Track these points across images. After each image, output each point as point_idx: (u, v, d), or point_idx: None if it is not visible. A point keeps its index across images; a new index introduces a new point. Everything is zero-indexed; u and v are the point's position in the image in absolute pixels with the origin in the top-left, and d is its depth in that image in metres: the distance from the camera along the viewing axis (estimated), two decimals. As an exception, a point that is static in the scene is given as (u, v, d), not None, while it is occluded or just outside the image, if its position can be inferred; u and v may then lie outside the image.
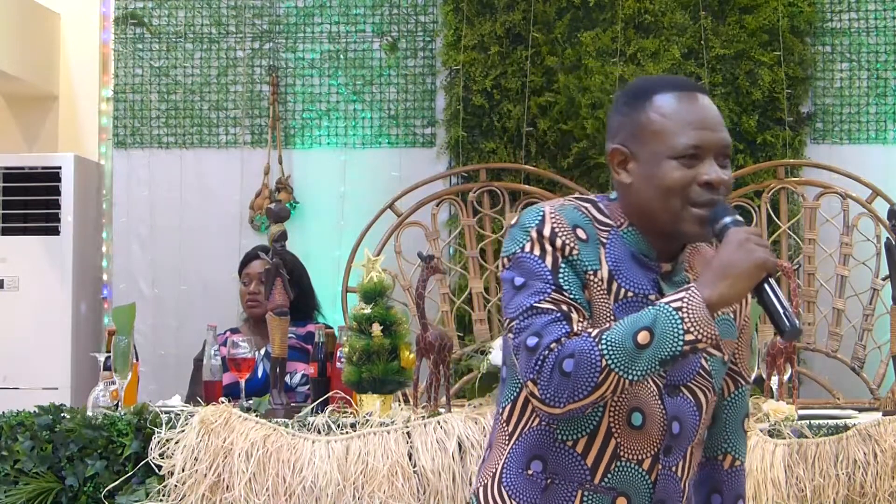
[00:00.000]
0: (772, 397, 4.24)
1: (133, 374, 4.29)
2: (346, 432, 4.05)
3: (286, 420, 4.12)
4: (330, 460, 3.99)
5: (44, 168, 6.30)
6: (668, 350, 2.08)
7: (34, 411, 4.20)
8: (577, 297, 2.16)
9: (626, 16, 6.05)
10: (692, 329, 2.07)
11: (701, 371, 2.24)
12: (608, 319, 2.18)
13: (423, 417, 4.10)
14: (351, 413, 4.20)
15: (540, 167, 6.04)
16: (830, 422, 4.05)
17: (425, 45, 6.35)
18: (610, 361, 2.08)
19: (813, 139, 6.10)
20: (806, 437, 3.98)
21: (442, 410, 4.17)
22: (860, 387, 5.53)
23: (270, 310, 4.43)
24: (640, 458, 2.22)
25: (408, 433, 4.04)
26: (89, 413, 4.19)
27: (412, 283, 5.44)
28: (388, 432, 4.03)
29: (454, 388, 4.90)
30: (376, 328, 4.26)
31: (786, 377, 4.28)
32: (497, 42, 6.12)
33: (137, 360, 4.42)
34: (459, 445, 4.02)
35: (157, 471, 3.96)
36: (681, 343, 2.07)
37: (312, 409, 4.23)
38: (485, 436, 4.03)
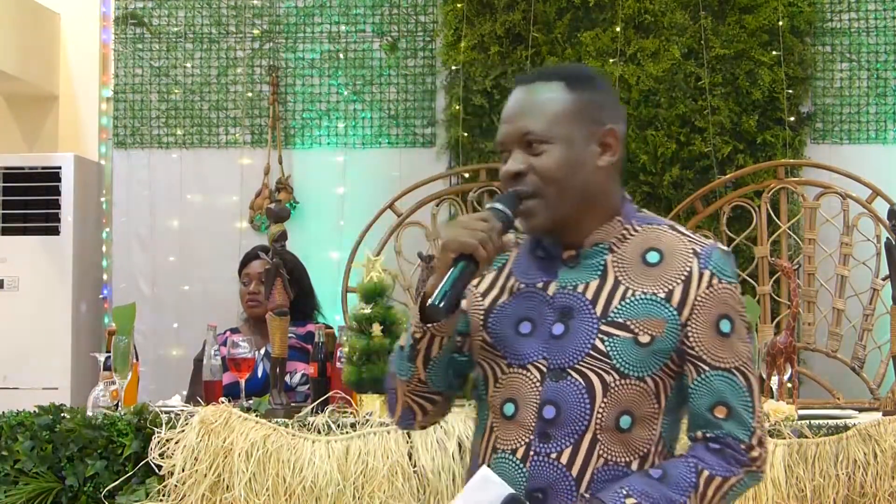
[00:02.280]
0: (772, 397, 4.25)
1: (133, 374, 4.29)
2: (346, 432, 4.05)
3: (286, 420, 4.12)
4: (330, 460, 3.99)
5: (44, 168, 6.30)
6: (408, 340, 2.26)
7: (34, 411, 4.20)
8: None
9: (626, 16, 6.05)
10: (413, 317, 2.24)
11: (592, 352, 2.19)
12: (478, 322, 2.29)
13: (423, 417, 4.10)
14: (351, 413, 4.20)
15: (540, 167, 6.03)
16: (830, 422, 4.05)
17: (425, 45, 6.35)
18: (393, 367, 2.34)
19: (813, 139, 6.10)
20: (806, 437, 3.98)
21: (442, 410, 4.17)
22: (860, 387, 5.53)
23: (270, 310, 4.42)
24: (513, 447, 2.21)
25: (408, 433, 4.04)
26: (89, 413, 4.19)
27: (412, 283, 5.44)
28: (388, 432, 4.03)
29: (454, 388, 4.89)
30: (376, 328, 4.26)
31: (786, 377, 4.28)
32: (497, 42, 6.12)
33: (137, 360, 4.42)
34: (459, 445, 4.02)
35: (157, 471, 3.96)
36: (409, 333, 2.26)
37: (312, 409, 4.22)
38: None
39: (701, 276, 2.21)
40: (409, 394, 2.32)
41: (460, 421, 4.07)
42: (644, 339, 2.19)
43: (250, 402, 4.22)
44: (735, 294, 2.23)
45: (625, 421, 2.18)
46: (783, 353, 4.24)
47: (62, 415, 4.18)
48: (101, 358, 4.45)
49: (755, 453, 2.19)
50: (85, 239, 6.36)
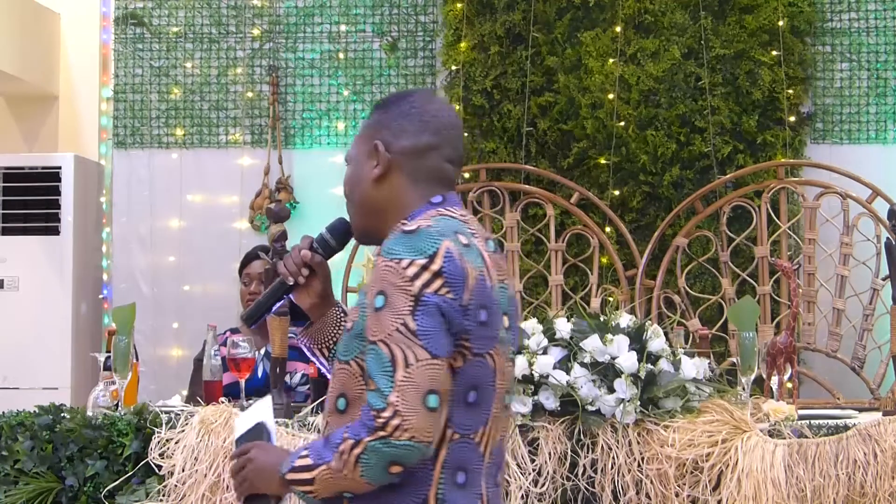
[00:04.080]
0: (772, 397, 4.25)
1: (133, 374, 4.29)
2: (346, 432, 4.05)
3: (286, 420, 4.12)
4: (330, 460, 3.98)
5: (44, 168, 6.30)
6: None
7: (34, 411, 4.20)
8: None
9: (626, 16, 6.05)
10: None
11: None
12: None
13: (423, 417, 4.10)
14: (351, 413, 4.19)
15: (540, 167, 6.04)
16: (830, 422, 4.05)
17: (425, 45, 6.35)
18: None
19: (813, 139, 6.10)
20: (806, 437, 3.98)
21: (442, 410, 4.17)
22: (860, 387, 5.53)
23: (270, 310, 4.42)
24: None
25: (408, 433, 4.04)
26: (89, 413, 4.20)
27: (412, 283, 5.44)
28: (388, 432, 4.03)
29: (454, 388, 4.89)
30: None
31: (786, 377, 4.28)
32: (497, 42, 6.12)
33: (137, 360, 4.42)
34: (459, 445, 4.02)
35: (157, 471, 3.97)
36: None
37: (312, 409, 4.23)
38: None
39: (377, 259, 2.36)
40: None
41: (460, 421, 4.07)
42: (349, 325, 2.40)
43: (250, 402, 4.22)
44: (395, 268, 2.30)
45: (341, 402, 2.38)
46: (783, 353, 4.24)
47: (62, 415, 4.18)
48: (101, 358, 4.45)
49: (382, 421, 2.23)
50: (85, 239, 6.36)
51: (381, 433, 2.23)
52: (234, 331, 5.19)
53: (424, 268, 2.29)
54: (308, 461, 2.30)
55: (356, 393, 2.34)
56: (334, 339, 2.61)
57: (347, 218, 2.58)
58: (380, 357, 2.27)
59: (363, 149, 2.48)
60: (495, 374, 2.38)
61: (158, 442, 3.98)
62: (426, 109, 2.48)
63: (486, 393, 2.36)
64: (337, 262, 6.06)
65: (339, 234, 2.57)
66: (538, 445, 4.03)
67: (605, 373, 4.06)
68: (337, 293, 5.78)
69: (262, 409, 2.52)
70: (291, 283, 2.60)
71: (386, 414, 2.23)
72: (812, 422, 4.05)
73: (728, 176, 5.91)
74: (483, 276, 2.37)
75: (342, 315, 2.64)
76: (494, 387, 2.38)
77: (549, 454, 4.02)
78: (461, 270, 2.32)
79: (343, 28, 6.37)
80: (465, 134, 6.11)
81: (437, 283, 2.29)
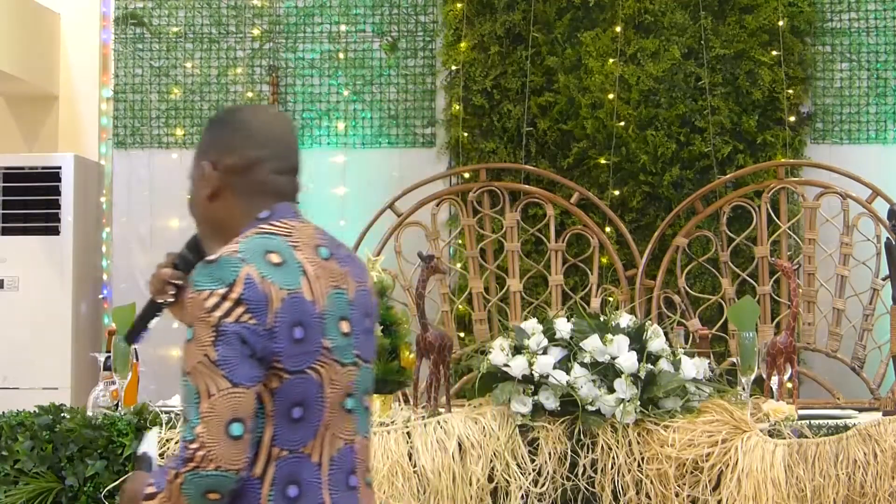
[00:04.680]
0: (772, 397, 4.25)
1: (133, 374, 4.29)
2: (346, 432, 4.05)
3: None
4: (330, 460, 3.98)
5: (44, 168, 6.30)
6: None
7: (34, 411, 4.20)
8: None
9: (626, 16, 6.05)
10: None
11: None
12: None
13: (423, 417, 4.10)
14: (351, 413, 4.19)
15: (540, 167, 6.04)
16: (830, 422, 4.06)
17: (425, 45, 6.35)
18: None
19: (813, 139, 6.10)
20: (806, 437, 3.98)
21: (442, 410, 4.17)
22: (860, 387, 5.53)
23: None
24: None
25: (408, 433, 4.04)
26: (89, 413, 4.20)
27: (412, 283, 5.45)
28: (388, 432, 4.03)
29: (454, 388, 4.90)
30: (376, 328, 4.25)
31: (786, 377, 4.28)
32: (497, 42, 6.12)
33: (137, 360, 4.42)
34: (459, 445, 4.02)
35: (157, 471, 3.96)
36: None
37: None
38: (485, 435, 4.03)
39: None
40: None
41: (460, 421, 4.07)
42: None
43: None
44: (196, 300, 2.32)
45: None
46: (783, 353, 4.24)
47: (62, 415, 4.18)
48: (101, 358, 4.45)
49: (190, 452, 2.27)
50: (85, 239, 6.36)
51: (192, 464, 2.27)
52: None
53: (224, 297, 2.30)
54: (153, 489, 2.33)
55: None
56: None
57: None
58: (189, 389, 2.30)
59: (195, 170, 2.50)
60: (322, 386, 2.38)
61: (158, 442, 3.98)
62: (250, 123, 2.49)
63: (313, 406, 2.37)
64: (337, 262, 6.08)
65: (197, 251, 2.59)
66: (538, 445, 4.04)
67: (605, 373, 4.06)
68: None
69: (149, 441, 2.62)
70: (161, 302, 2.65)
71: (193, 446, 2.27)
72: (812, 422, 4.05)
73: (728, 176, 5.92)
74: (297, 294, 2.37)
75: None
76: (323, 398, 2.39)
77: (549, 454, 4.02)
78: (262, 295, 2.32)
79: (343, 28, 6.37)
80: (466, 134, 6.11)
81: (239, 310, 2.31)
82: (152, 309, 2.67)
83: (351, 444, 2.45)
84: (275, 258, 2.37)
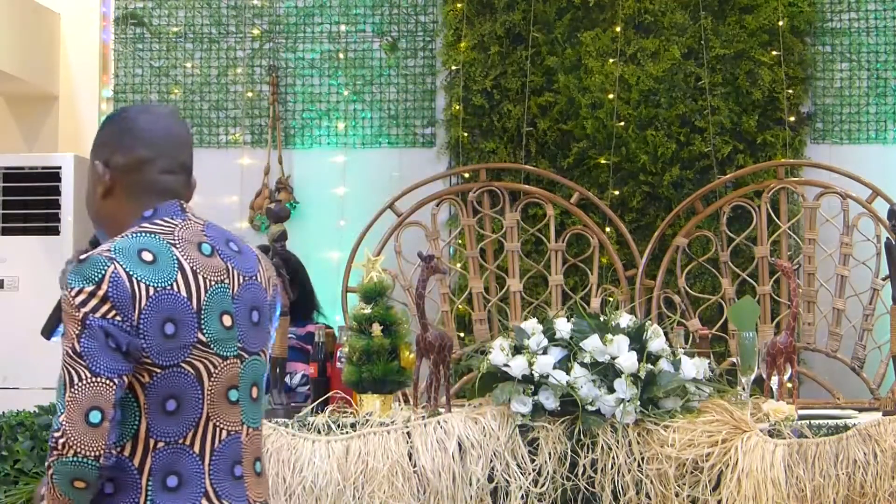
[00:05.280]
0: (772, 397, 4.25)
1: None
2: (346, 432, 4.05)
3: (286, 420, 4.12)
4: (330, 460, 3.99)
5: (44, 168, 6.30)
6: None
7: (34, 411, 4.20)
8: None
9: (626, 16, 6.05)
10: None
11: None
12: None
13: (423, 417, 4.10)
14: (351, 413, 4.20)
15: (540, 167, 6.04)
16: (830, 422, 4.06)
17: (425, 45, 6.35)
18: None
19: (813, 139, 6.10)
20: (806, 437, 3.98)
21: (442, 410, 4.17)
22: (860, 387, 5.53)
23: (270, 310, 4.42)
24: None
25: (408, 433, 4.04)
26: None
27: (412, 283, 5.45)
28: (388, 432, 4.03)
29: (454, 388, 4.90)
30: (376, 328, 4.26)
31: (786, 377, 4.28)
32: (497, 42, 6.12)
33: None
34: (459, 445, 4.02)
35: (157, 471, 3.96)
36: None
37: (312, 409, 4.23)
38: (485, 435, 4.03)
39: None
40: None
41: (460, 421, 4.07)
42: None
43: None
44: (67, 297, 2.42)
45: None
46: (783, 353, 4.24)
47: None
48: (101, 358, 4.44)
49: (54, 440, 2.35)
50: (85, 239, 6.34)
51: (56, 452, 2.36)
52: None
53: (92, 294, 2.40)
54: (44, 488, 2.43)
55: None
56: None
57: None
58: (59, 381, 2.39)
59: (90, 168, 2.60)
60: (199, 379, 2.46)
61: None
62: (138, 123, 2.59)
63: (188, 399, 2.45)
64: (337, 263, 6.08)
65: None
66: (538, 445, 4.04)
67: (605, 373, 4.06)
68: (336, 293, 5.80)
69: None
70: None
71: (56, 434, 2.36)
72: (812, 422, 4.05)
73: (728, 176, 5.92)
74: (168, 291, 2.45)
75: None
76: (201, 391, 2.47)
77: (549, 454, 4.02)
78: (127, 293, 2.41)
79: (343, 28, 6.37)
80: (466, 134, 6.11)
81: (105, 307, 2.40)
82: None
83: (237, 434, 2.52)
84: (147, 256, 2.46)
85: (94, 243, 2.66)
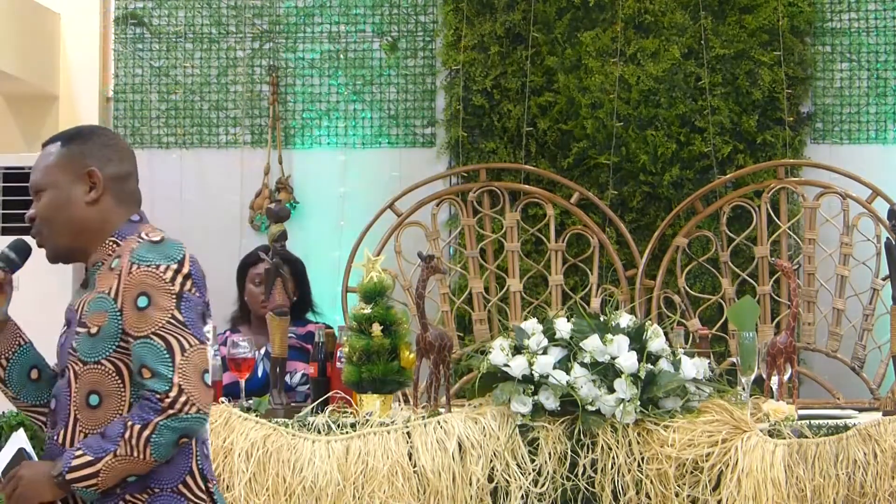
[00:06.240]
0: (772, 397, 4.25)
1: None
2: (346, 432, 4.06)
3: (286, 420, 4.13)
4: (330, 460, 3.99)
5: (44, 168, 6.30)
6: None
7: (34, 411, 4.19)
8: None
9: (626, 16, 6.05)
10: None
11: (70, 351, 2.76)
12: None
13: (423, 417, 4.10)
14: (351, 413, 4.20)
15: (540, 167, 6.04)
16: (830, 422, 4.06)
17: (425, 45, 6.35)
18: None
19: (813, 139, 6.10)
20: (806, 437, 3.98)
21: (442, 410, 4.17)
22: (860, 387, 5.53)
23: (270, 310, 4.43)
24: (49, 433, 2.80)
25: (408, 433, 4.04)
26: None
27: (412, 283, 5.45)
28: (388, 432, 4.03)
29: (454, 388, 4.90)
30: (376, 328, 4.26)
31: (786, 377, 4.28)
32: (497, 42, 6.12)
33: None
34: (459, 445, 4.02)
35: (157, 471, 3.96)
36: None
37: (312, 409, 4.23)
38: (485, 435, 4.03)
39: (128, 268, 2.70)
40: (21, 410, 2.98)
41: (460, 421, 4.07)
42: (93, 330, 2.72)
43: (250, 402, 4.23)
44: (154, 273, 2.69)
45: (93, 399, 2.71)
46: (783, 353, 4.24)
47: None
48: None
49: (169, 400, 2.62)
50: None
51: (171, 411, 2.61)
52: (234, 330, 5.19)
53: (177, 271, 2.69)
54: (87, 458, 2.63)
55: (111, 389, 2.70)
56: (12, 351, 3.03)
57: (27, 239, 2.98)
58: (154, 348, 2.65)
59: (67, 176, 2.81)
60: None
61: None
62: (119, 142, 2.90)
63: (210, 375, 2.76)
64: (337, 263, 6.08)
65: (23, 253, 3.07)
66: (538, 445, 4.04)
67: (605, 373, 4.06)
68: (336, 293, 5.80)
69: (16, 440, 2.83)
70: None
71: (172, 394, 2.62)
72: (812, 422, 4.05)
73: (728, 176, 5.92)
74: None
75: (17, 328, 3.12)
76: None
77: (549, 454, 4.03)
78: (201, 274, 2.75)
79: (343, 28, 6.37)
80: (465, 134, 6.11)
81: (188, 283, 2.71)
82: None
83: None
84: None
85: (19, 248, 3.04)
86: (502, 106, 6.11)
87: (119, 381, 2.70)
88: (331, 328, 4.93)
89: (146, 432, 2.60)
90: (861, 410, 4.59)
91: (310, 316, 5.31)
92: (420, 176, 6.08)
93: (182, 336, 2.65)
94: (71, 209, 2.82)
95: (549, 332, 4.19)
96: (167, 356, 2.63)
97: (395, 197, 6.00)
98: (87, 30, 6.66)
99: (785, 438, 3.97)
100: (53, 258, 2.94)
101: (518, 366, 4.09)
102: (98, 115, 6.59)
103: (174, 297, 2.67)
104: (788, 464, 3.92)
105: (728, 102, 5.99)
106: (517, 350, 4.16)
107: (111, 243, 2.81)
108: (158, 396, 2.61)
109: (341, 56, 6.37)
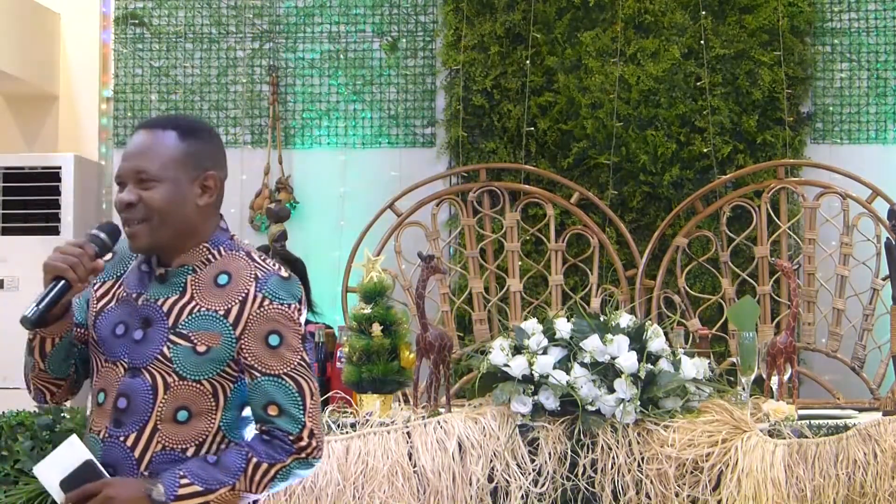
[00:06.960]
0: (772, 397, 4.25)
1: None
2: (346, 432, 4.05)
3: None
4: (330, 460, 3.99)
5: (44, 168, 6.30)
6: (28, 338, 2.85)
7: (34, 411, 4.20)
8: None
9: (626, 16, 6.05)
10: None
11: (159, 357, 2.64)
12: (91, 321, 2.76)
13: (423, 417, 4.10)
14: (351, 413, 4.20)
15: (540, 167, 6.04)
16: (830, 422, 4.06)
17: (425, 45, 6.35)
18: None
19: (813, 139, 6.10)
20: (806, 437, 3.98)
21: (442, 410, 4.17)
22: (860, 387, 5.53)
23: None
24: (98, 429, 2.69)
25: (408, 433, 4.04)
26: (89, 413, 4.19)
27: (412, 283, 5.45)
28: (388, 432, 4.03)
29: (454, 388, 4.90)
30: (376, 328, 4.26)
31: (786, 377, 4.28)
32: (497, 42, 6.12)
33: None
34: (459, 445, 4.02)
35: (157, 471, 3.96)
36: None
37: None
38: (485, 435, 4.03)
39: (255, 298, 2.65)
40: (35, 379, 2.94)
41: (460, 421, 4.07)
42: (201, 348, 2.63)
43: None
44: (286, 312, 2.67)
45: (182, 415, 2.64)
46: (783, 353, 4.24)
47: (62, 415, 4.18)
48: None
49: (303, 443, 2.62)
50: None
51: (301, 455, 2.62)
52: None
53: (300, 311, 2.70)
54: (197, 488, 2.57)
55: (203, 409, 2.64)
56: (65, 330, 2.79)
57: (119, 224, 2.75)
58: (286, 388, 2.63)
59: (187, 174, 2.69)
60: None
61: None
62: (222, 145, 2.81)
63: None
64: (337, 263, 6.08)
65: (113, 236, 2.74)
66: (538, 445, 4.04)
67: (605, 373, 4.06)
68: (336, 293, 5.80)
69: (75, 449, 2.66)
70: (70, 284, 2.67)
71: (305, 437, 2.62)
72: (812, 422, 4.05)
73: (728, 176, 5.92)
74: None
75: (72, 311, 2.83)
76: None
77: (549, 454, 4.03)
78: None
79: (343, 28, 6.37)
80: (465, 134, 6.11)
81: (302, 321, 2.72)
82: (63, 290, 2.66)
83: None
84: None
85: (111, 231, 2.70)
86: (502, 106, 6.11)
87: (213, 403, 2.65)
88: (331, 328, 4.93)
89: (273, 471, 2.60)
90: (861, 410, 4.59)
91: (309, 316, 5.31)
92: (420, 176, 6.08)
93: (311, 379, 2.66)
94: (185, 208, 2.69)
95: (549, 332, 4.19)
96: (298, 398, 2.63)
97: (395, 197, 6.00)
98: (87, 30, 6.66)
99: (785, 438, 3.97)
100: (145, 249, 2.71)
101: (518, 366, 4.09)
102: (98, 115, 6.59)
103: (301, 337, 2.68)
104: (788, 464, 3.92)
105: (728, 102, 5.99)
106: (517, 350, 4.16)
107: (205, 249, 2.71)
108: (292, 438, 2.61)
109: (341, 56, 6.37)
